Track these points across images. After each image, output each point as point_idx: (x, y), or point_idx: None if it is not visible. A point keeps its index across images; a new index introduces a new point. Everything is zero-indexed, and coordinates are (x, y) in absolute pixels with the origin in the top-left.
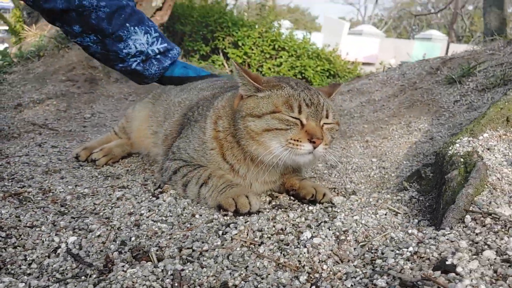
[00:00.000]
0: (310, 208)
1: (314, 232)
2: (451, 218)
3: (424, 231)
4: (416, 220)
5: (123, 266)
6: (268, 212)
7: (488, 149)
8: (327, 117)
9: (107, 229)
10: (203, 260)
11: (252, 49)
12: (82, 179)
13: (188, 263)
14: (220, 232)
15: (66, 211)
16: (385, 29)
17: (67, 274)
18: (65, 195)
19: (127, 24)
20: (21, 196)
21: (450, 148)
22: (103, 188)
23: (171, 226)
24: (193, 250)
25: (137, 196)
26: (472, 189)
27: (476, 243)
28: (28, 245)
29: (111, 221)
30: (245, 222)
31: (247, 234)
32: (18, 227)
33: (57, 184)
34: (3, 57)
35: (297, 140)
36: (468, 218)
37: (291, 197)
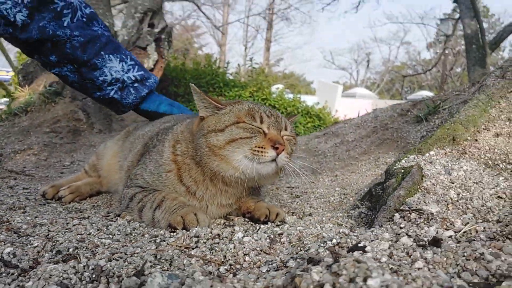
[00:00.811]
0: (262, 226)
1: (246, 233)
2: (382, 218)
3: (356, 231)
4: (357, 229)
5: (47, 265)
6: (217, 228)
7: (431, 162)
8: (285, 129)
9: (46, 243)
10: (129, 259)
11: None
12: (45, 213)
13: (114, 261)
14: (158, 240)
15: (17, 236)
16: (377, 91)
17: None
18: (21, 225)
19: (102, 52)
20: None
21: (396, 164)
22: (63, 219)
23: (116, 241)
24: (125, 254)
25: (93, 223)
26: (404, 191)
27: (398, 234)
28: None
29: (56, 239)
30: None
31: (183, 240)
32: None
33: (16, 216)
34: None
35: (262, 147)
36: (397, 216)
37: (247, 220)
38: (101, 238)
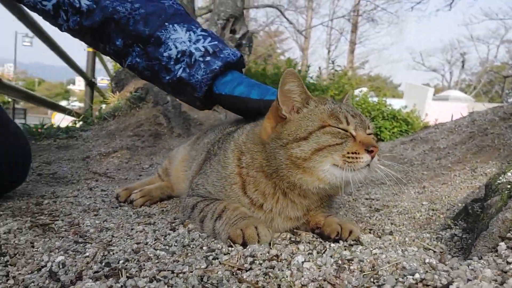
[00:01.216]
0: (332, 245)
1: (309, 257)
2: (482, 247)
3: (446, 262)
4: (449, 256)
5: (86, 282)
6: (281, 244)
7: None
8: (368, 128)
9: (97, 252)
10: (172, 280)
11: None
12: (114, 216)
13: (155, 282)
14: (211, 257)
15: (81, 241)
16: (474, 93)
17: None
18: (89, 228)
19: (166, 23)
20: (47, 227)
21: (500, 177)
22: (129, 224)
23: (170, 254)
24: (172, 272)
25: (156, 230)
26: (511, 213)
27: (505, 272)
28: (18, 264)
29: (112, 247)
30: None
31: (237, 260)
32: (20, 248)
33: (87, 219)
34: (86, 118)
35: (355, 153)
36: (502, 246)
37: (316, 236)
38: (156, 249)
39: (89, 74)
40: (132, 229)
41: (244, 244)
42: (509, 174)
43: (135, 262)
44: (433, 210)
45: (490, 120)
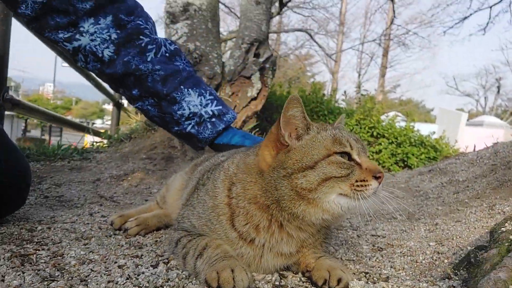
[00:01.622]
0: None
1: None
2: None
3: None
4: None
5: None
6: None
7: None
8: (366, 152)
9: None
10: None
11: None
12: (104, 246)
13: None
14: None
15: (55, 276)
16: (510, 120)
17: None
18: (71, 260)
19: (182, 87)
20: (27, 258)
21: (507, 224)
22: (115, 256)
23: None
24: None
25: (138, 265)
26: (506, 273)
27: None
28: None
29: (79, 286)
30: None
31: None
32: None
33: (74, 249)
34: (110, 137)
35: (364, 180)
36: None
37: (304, 280)
38: None
39: (116, 95)
40: (115, 262)
41: None
42: None
43: None
44: (438, 253)
45: None
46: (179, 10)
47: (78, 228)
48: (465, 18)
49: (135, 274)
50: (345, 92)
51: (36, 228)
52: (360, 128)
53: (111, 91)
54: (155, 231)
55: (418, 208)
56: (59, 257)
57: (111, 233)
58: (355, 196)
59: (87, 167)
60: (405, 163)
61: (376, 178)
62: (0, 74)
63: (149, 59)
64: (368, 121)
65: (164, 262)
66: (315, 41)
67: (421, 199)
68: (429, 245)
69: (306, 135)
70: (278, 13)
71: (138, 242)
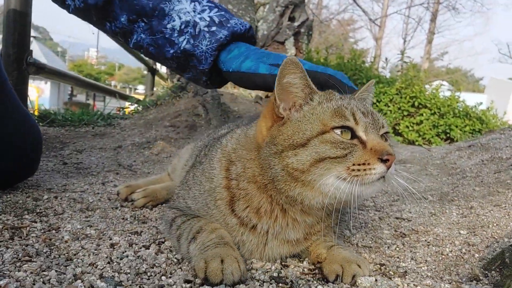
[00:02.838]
0: None
1: None
2: None
3: None
4: None
5: None
6: (250, 285)
7: None
8: (383, 126)
9: (28, 277)
10: None
11: (388, 106)
12: (106, 219)
13: None
14: None
15: (41, 252)
16: None
17: None
18: (65, 235)
19: None
20: (18, 230)
21: None
22: (113, 232)
23: (113, 286)
24: None
25: (132, 244)
26: None
27: None
28: None
29: (60, 266)
30: None
31: None
32: None
33: (74, 222)
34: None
35: (364, 164)
36: None
37: (310, 269)
38: (102, 277)
39: (150, 61)
40: (110, 239)
41: (206, 280)
42: None
43: None
44: (469, 244)
45: None
46: None
47: (86, 198)
48: None
49: (117, 258)
50: (386, 59)
51: (43, 197)
52: (401, 97)
53: (146, 58)
54: (164, 204)
55: (452, 188)
56: (54, 231)
57: (119, 204)
58: (354, 181)
59: (111, 134)
60: (448, 135)
61: (383, 161)
62: (23, 36)
63: None
64: (409, 90)
65: (158, 243)
66: (358, 5)
67: (457, 177)
68: (459, 233)
69: (306, 105)
70: None
71: (144, 216)
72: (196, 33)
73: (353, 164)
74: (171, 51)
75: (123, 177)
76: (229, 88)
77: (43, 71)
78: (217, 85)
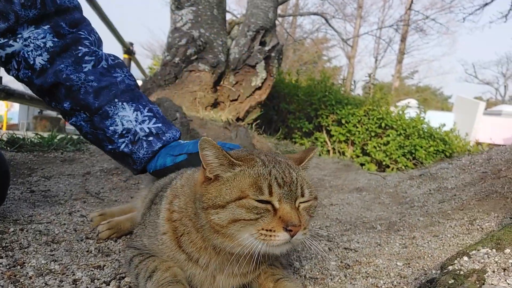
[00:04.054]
0: None
1: None
2: None
3: None
4: None
5: None
6: None
7: (504, 269)
8: (302, 196)
9: None
10: None
11: (357, 127)
12: (71, 252)
13: None
14: None
15: None
16: None
17: None
18: (29, 271)
19: (116, 100)
20: None
21: (456, 261)
22: (76, 266)
23: None
24: None
25: (94, 280)
26: None
27: None
28: None
29: None
30: None
31: None
32: None
33: (38, 256)
34: None
35: (270, 230)
36: None
37: None
38: None
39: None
40: (73, 274)
41: None
42: (465, 258)
43: None
44: (401, 277)
45: (507, 160)
46: None
47: (52, 229)
48: (486, 4)
49: None
50: (354, 82)
51: (9, 229)
52: (369, 119)
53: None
54: (128, 235)
55: (400, 218)
56: (19, 266)
57: (84, 236)
58: (262, 242)
59: (79, 159)
60: (413, 155)
61: (287, 230)
62: None
63: (84, 70)
64: (377, 112)
65: (118, 278)
66: (330, 26)
67: (406, 207)
68: (396, 264)
69: (226, 173)
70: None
71: (108, 248)
72: (135, 140)
73: (262, 229)
74: (109, 147)
75: (90, 206)
76: (200, 113)
77: (12, 96)
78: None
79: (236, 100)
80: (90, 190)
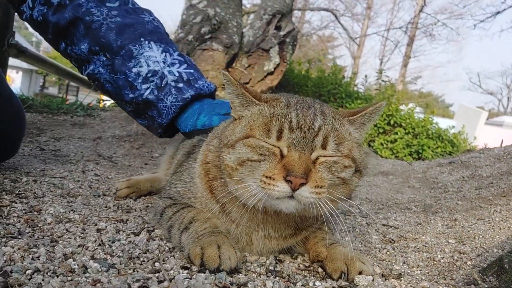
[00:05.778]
0: (317, 284)
1: None
2: None
3: None
4: None
5: None
6: (249, 275)
7: None
8: (324, 148)
9: (16, 253)
10: None
11: None
12: (88, 206)
13: None
14: (137, 285)
15: (23, 232)
16: None
17: None
18: (47, 217)
19: (142, 38)
20: None
21: None
22: (97, 218)
23: (106, 268)
24: None
25: (120, 231)
26: None
27: None
28: None
29: (45, 246)
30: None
31: None
32: None
33: (55, 206)
34: None
35: (270, 178)
36: None
37: (306, 266)
38: (93, 259)
39: None
40: (95, 225)
41: (202, 266)
42: None
43: (49, 273)
44: (459, 252)
45: None
46: None
47: (67, 184)
48: (498, 12)
49: (109, 241)
50: (365, 76)
51: (21, 179)
52: None
53: None
54: (148, 196)
55: (435, 201)
56: (36, 213)
57: (101, 193)
58: (263, 192)
59: (90, 124)
60: (420, 155)
61: (288, 181)
62: (7, 15)
63: (108, 4)
64: (386, 108)
65: (148, 230)
66: (340, 23)
67: (440, 191)
68: (448, 242)
69: (245, 111)
70: None
71: (128, 206)
72: (162, 86)
73: (263, 175)
74: (131, 95)
75: (103, 168)
76: None
77: (23, 54)
78: (170, 136)
79: (247, 83)
80: (102, 153)
